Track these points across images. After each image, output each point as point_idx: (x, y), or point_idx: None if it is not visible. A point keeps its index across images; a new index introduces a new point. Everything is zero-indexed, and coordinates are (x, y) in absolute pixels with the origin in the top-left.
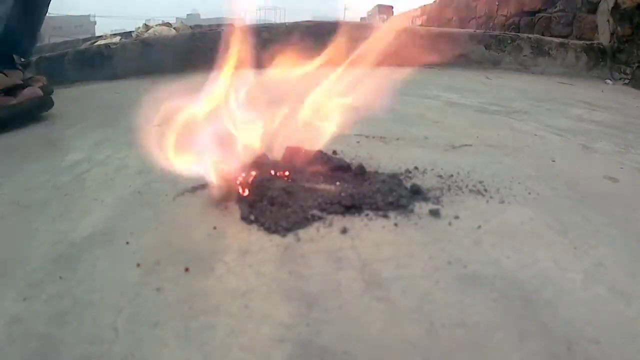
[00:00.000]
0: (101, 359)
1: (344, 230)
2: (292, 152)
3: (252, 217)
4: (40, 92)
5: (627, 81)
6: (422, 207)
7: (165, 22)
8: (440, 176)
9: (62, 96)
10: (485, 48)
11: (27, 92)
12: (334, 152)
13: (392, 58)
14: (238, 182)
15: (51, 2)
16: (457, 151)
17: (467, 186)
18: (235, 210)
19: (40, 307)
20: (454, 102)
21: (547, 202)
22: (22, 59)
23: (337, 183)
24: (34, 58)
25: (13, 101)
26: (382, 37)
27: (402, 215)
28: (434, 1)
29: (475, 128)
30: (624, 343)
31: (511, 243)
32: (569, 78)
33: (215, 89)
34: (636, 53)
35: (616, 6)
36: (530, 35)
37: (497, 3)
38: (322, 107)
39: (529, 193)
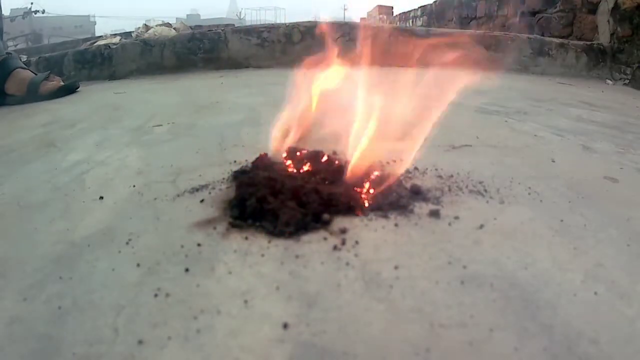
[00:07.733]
0: (101, 359)
1: (344, 230)
2: (292, 153)
3: (252, 218)
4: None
5: (627, 81)
6: (422, 208)
7: (165, 22)
8: (440, 176)
9: (62, 96)
10: (485, 48)
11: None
12: (334, 152)
13: (391, 58)
14: (239, 183)
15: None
16: (457, 151)
17: (467, 186)
18: (235, 211)
19: (40, 307)
20: (453, 102)
21: (547, 202)
22: None
23: (337, 183)
24: (33, 58)
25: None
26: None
27: (402, 216)
28: (434, 1)
29: (475, 128)
30: (624, 343)
31: (511, 243)
32: (569, 78)
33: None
34: (636, 53)
35: (616, 6)
36: (530, 36)
37: (497, 3)
38: (320, 107)
39: (529, 193)
